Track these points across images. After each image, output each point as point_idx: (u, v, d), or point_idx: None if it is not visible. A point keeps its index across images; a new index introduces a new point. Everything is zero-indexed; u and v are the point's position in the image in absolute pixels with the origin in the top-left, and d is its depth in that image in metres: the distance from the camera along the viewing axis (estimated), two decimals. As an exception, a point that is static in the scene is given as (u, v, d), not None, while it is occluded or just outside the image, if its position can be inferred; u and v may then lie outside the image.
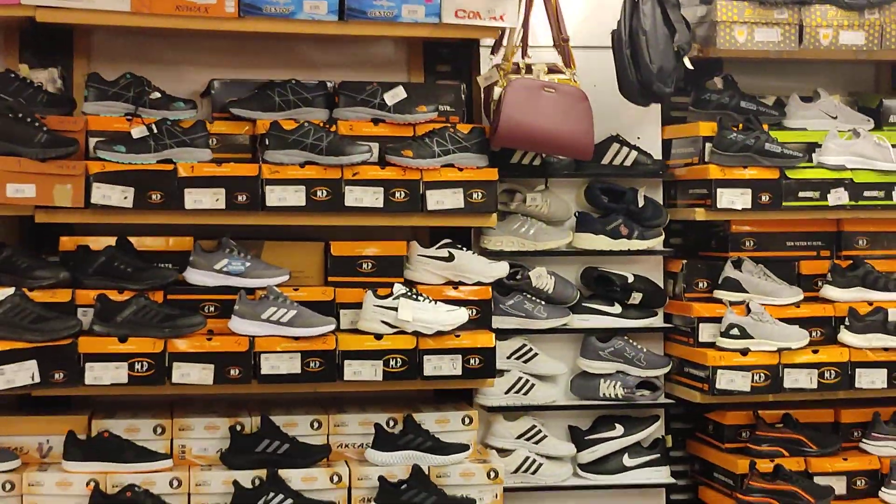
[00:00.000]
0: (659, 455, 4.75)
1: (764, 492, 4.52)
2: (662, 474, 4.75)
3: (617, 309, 4.72)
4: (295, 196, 4.19)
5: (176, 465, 4.12)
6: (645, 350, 4.73)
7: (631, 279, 4.73)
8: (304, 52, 4.68)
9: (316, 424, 4.31)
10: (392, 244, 4.39)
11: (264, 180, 4.16)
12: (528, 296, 4.62)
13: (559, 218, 4.73)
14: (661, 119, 4.88)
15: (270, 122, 4.21)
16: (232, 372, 4.10)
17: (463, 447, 4.30)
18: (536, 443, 4.64)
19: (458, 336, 4.29)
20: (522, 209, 4.64)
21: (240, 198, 4.14)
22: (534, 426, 4.65)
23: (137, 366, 4.02)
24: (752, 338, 4.54)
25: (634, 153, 4.71)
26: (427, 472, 4.18)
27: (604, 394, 4.70)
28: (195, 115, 4.28)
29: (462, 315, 4.28)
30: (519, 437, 4.64)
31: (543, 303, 4.64)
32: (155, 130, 4.09)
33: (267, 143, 4.19)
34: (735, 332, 4.55)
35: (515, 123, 4.28)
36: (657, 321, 4.80)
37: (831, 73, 5.11)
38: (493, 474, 4.29)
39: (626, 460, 4.70)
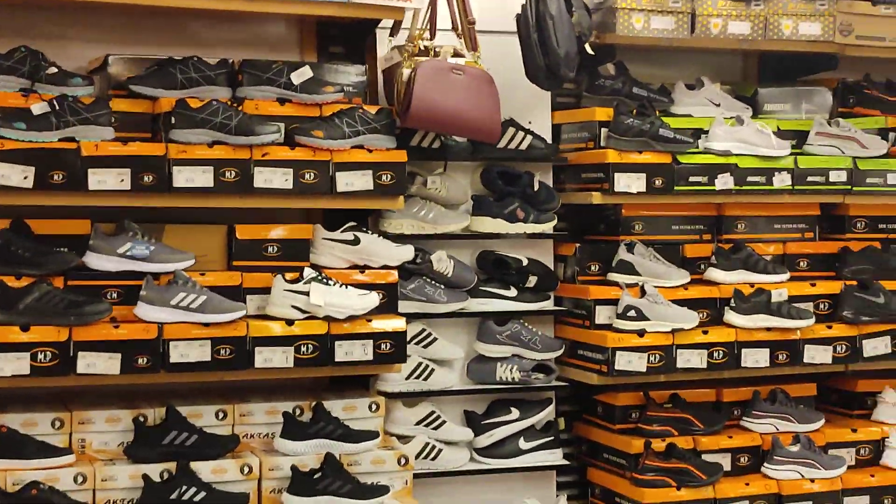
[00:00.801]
0: (553, 438, 4.79)
1: (659, 470, 4.63)
2: (556, 456, 4.80)
3: (513, 292, 4.73)
4: (203, 177, 4.02)
5: (78, 460, 3.90)
6: (540, 333, 4.77)
7: (525, 262, 4.75)
8: (193, 29, 4.51)
9: (221, 414, 4.16)
10: (298, 227, 4.28)
11: (171, 160, 3.98)
12: (429, 280, 4.59)
13: (456, 201, 4.70)
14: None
15: (177, 100, 4.02)
16: (140, 361, 3.90)
17: (373, 434, 4.24)
18: (435, 429, 4.61)
19: (369, 321, 4.22)
20: (422, 192, 4.59)
21: (146, 178, 3.95)
22: (433, 412, 4.61)
23: (41, 356, 3.78)
24: (647, 319, 4.64)
25: (529, 137, 4.72)
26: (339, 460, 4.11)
27: (500, 377, 4.71)
28: (92, 92, 4.06)
29: (373, 299, 4.21)
30: (418, 423, 4.59)
31: (443, 287, 4.61)
32: (56, 107, 3.85)
33: (173, 121, 4.01)
34: (632, 313, 4.63)
35: (428, 105, 4.25)
36: (549, 304, 4.84)
37: (704, 62, 5.27)
38: (403, 461, 4.25)
39: (522, 443, 4.73)
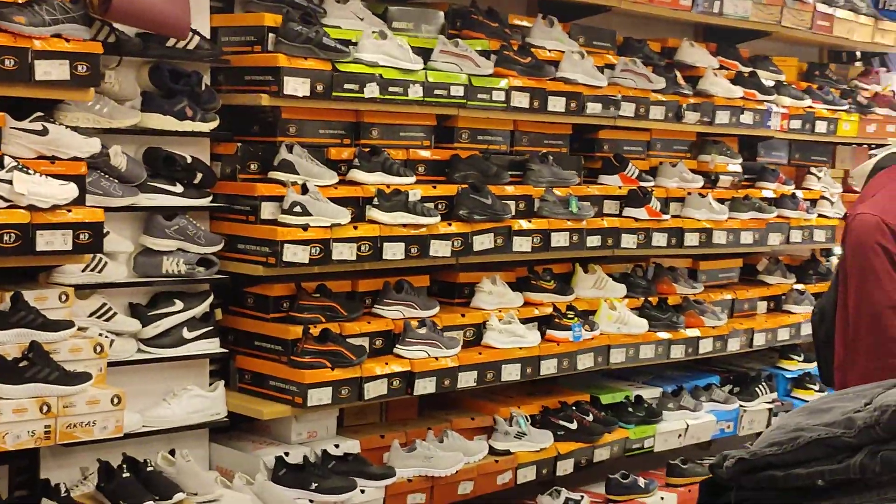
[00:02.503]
0: (212, 327, 5.03)
1: (316, 353, 5.04)
2: (214, 345, 5.04)
3: (179, 189, 4.89)
4: None
5: None
6: (203, 228, 4.97)
7: (190, 160, 4.92)
8: None
9: (-89, 306, 4.01)
10: (-9, 115, 4.17)
11: None
12: (104, 174, 4.63)
13: (126, 97, 4.76)
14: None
15: None
16: None
17: (69, 324, 4.28)
18: (107, 320, 4.68)
19: (69, 211, 4.22)
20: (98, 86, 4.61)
21: None
22: (104, 304, 4.68)
23: None
24: (311, 215, 5.00)
25: (197, 38, 4.87)
26: (41, 349, 4.12)
27: (167, 270, 4.86)
28: None
29: (73, 189, 4.22)
30: (91, 315, 4.64)
31: (117, 181, 4.67)
32: None
33: None
34: (297, 209, 4.97)
35: (131, -2, 4.29)
36: (208, 201, 5.03)
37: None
38: (98, 349, 4.33)
39: (186, 333, 4.92)
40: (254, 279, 5.17)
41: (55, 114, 4.48)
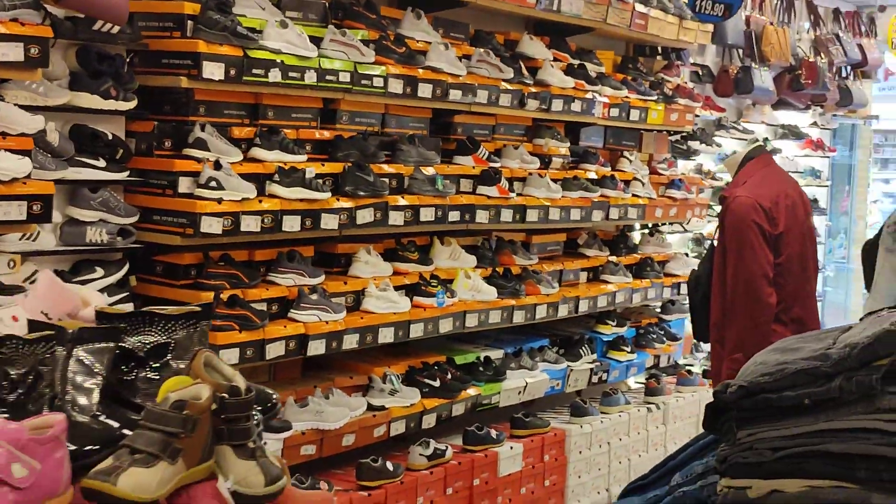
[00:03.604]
0: (128, 293, 5.39)
1: (226, 317, 5.46)
2: (129, 308, 5.39)
3: (102, 163, 5.22)
4: None
5: None
6: (121, 200, 5.31)
7: (111, 137, 5.26)
8: None
9: None
10: (-48, 92, 4.43)
11: None
12: (40, 149, 4.92)
13: (56, 77, 5.06)
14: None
15: None
16: None
17: (21, 288, 4.58)
18: (38, 286, 4.99)
19: (25, 183, 4.53)
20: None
21: None
22: (36, 271, 4.98)
23: None
24: (224, 189, 5.42)
25: (117, 22, 5.21)
26: (-1, 313, 4.42)
27: (90, 239, 5.19)
28: None
29: (28, 164, 4.54)
30: (24, 281, 4.93)
31: (50, 155, 4.97)
32: None
33: None
34: (213, 184, 5.38)
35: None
36: (125, 174, 5.38)
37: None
38: (47, 312, 4.65)
39: (106, 298, 5.26)
40: (163, 248, 5.54)
41: (-3, 91, 4.77)
